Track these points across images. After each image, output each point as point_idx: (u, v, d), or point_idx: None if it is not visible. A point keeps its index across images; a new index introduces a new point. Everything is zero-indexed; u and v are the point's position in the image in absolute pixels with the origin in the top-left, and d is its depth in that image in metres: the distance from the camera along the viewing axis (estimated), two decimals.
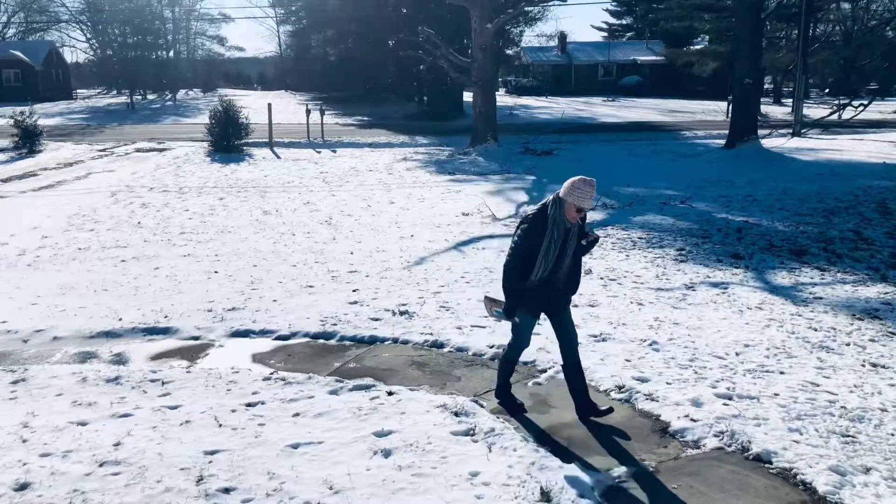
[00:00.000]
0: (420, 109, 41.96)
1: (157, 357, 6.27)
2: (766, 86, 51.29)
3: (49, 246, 10.34)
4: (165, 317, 7.17)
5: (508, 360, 5.21)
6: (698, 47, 48.93)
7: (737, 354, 6.08)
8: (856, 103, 19.29)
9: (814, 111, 29.71)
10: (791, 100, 34.88)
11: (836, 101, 21.92)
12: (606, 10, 75.43)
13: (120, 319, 7.09)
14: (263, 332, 6.79)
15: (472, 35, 22.58)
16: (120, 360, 6.18)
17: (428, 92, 41.33)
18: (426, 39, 22.55)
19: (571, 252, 4.81)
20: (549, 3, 39.66)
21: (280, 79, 79.23)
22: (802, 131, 24.57)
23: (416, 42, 23.48)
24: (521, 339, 5.11)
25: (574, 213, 4.67)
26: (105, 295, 7.95)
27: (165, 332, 6.83)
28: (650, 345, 6.30)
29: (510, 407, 5.16)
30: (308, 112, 27.22)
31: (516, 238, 4.85)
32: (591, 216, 12.43)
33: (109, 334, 6.75)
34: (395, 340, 6.56)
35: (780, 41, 45.48)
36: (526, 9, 33.40)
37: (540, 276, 4.74)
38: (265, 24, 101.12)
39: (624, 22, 76.50)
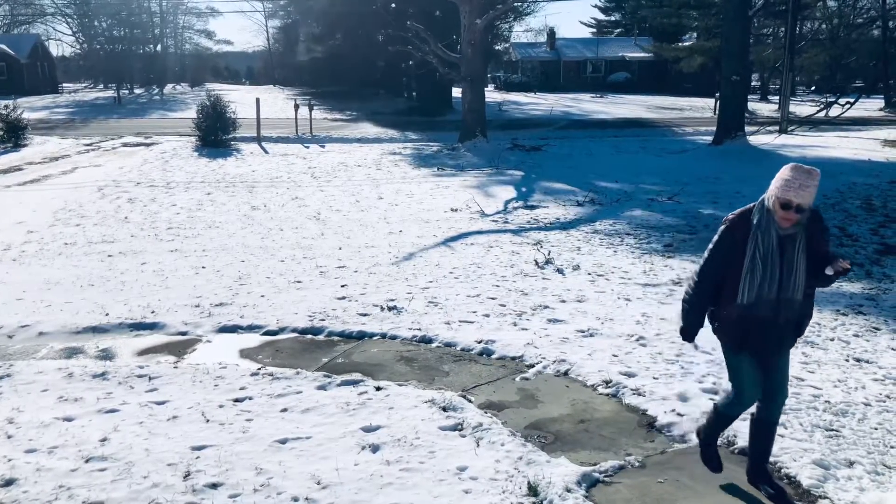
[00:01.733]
0: (409, 105, 41.92)
1: (143, 352, 6.24)
2: (753, 83, 51.59)
3: (35, 241, 10.26)
4: (152, 312, 7.14)
5: (721, 412, 4.07)
6: (687, 44, 49.13)
7: None
8: (842, 101, 19.43)
9: (800, 108, 29.89)
10: (778, 97, 35.09)
11: (823, 99, 22.09)
12: (595, 6, 75.72)
13: (106, 315, 7.06)
14: (251, 328, 6.77)
15: (462, 31, 22.54)
16: (106, 355, 6.15)
17: (417, 87, 41.27)
18: (415, 35, 22.50)
19: (797, 272, 3.59)
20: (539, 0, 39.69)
21: (268, 73, 78.94)
22: (790, 129, 24.73)
23: (405, 37, 23.42)
24: (739, 389, 3.92)
25: (781, 212, 3.54)
26: (91, 290, 7.91)
27: (152, 327, 6.80)
28: (637, 340, 6.33)
29: (710, 464, 4.17)
30: (296, 107, 27.13)
31: (709, 245, 3.84)
32: (578, 212, 12.48)
33: (96, 329, 6.72)
34: (384, 336, 6.56)
35: (767, 38, 45.75)
36: (515, 4, 33.40)
37: (749, 302, 3.63)
38: (253, 17, 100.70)
39: (612, 18, 76.70)
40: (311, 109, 27.17)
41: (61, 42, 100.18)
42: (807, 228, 3.61)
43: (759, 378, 3.84)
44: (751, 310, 3.64)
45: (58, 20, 70.29)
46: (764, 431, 3.98)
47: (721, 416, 4.08)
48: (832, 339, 6.40)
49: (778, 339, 3.74)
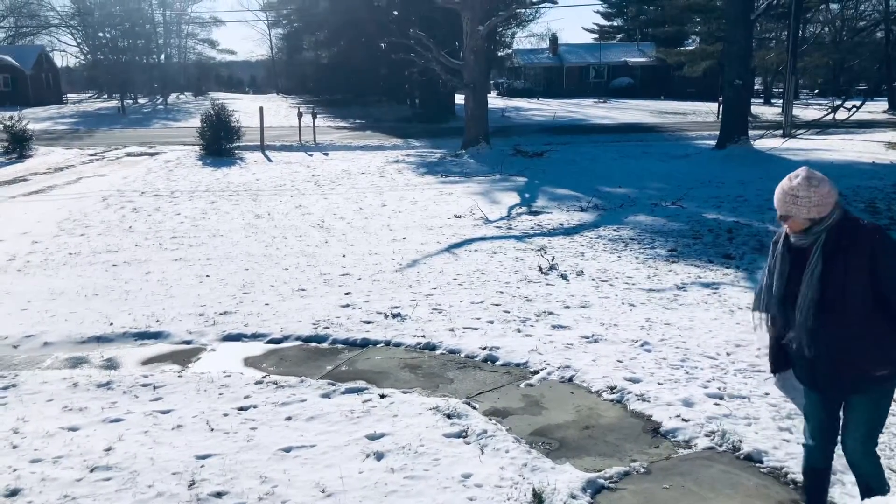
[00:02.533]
0: (412, 112, 41.97)
1: (148, 362, 6.25)
2: (756, 87, 51.63)
3: (39, 251, 10.30)
4: (157, 321, 7.15)
5: (803, 466, 3.57)
6: (689, 48, 49.16)
7: (727, 354, 6.10)
8: (848, 104, 19.40)
9: (804, 112, 29.90)
10: (781, 100, 35.08)
11: (828, 103, 22.07)
12: (597, 11, 75.69)
13: (111, 324, 7.07)
14: (255, 336, 6.78)
15: (464, 37, 22.60)
16: (111, 364, 6.16)
17: (420, 94, 41.35)
18: (418, 42, 22.56)
19: (810, 291, 3.09)
20: (541, 6, 39.81)
21: (272, 82, 79.12)
22: (793, 132, 24.70)
23: (407, 45, 23.49)
24: (805, 422, 3.48)
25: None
26: (96, 300, 7.93)
27: (157, 336, 6.81)
28: (642, 345, 6.32)
29: None
30: (300, 115, 27.20)
31: None
32: (581, 217, 12.48)
33: (100, 339, 6.73)
34: (388, 343, 6.56)
35: (769, 42, 45.76)
36: (517, 11, 33.49)
37: (773, 322, 3.32)
38: (257, 27, 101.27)
39: (615, 24, 76.73)
40: (314, 118, 27.23)
41: (66, 53, 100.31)
42: (828, 242, 3.10)
43: (818, 413, 3.37)
44: (779, 332, 3.29)
45: (62, 31, 70.63)
46: (806, 474, 3.52)
47: (803, 470, 3.61)
48: None
49: (813, 372, 3.25)
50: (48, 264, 9.57)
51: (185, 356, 6.36)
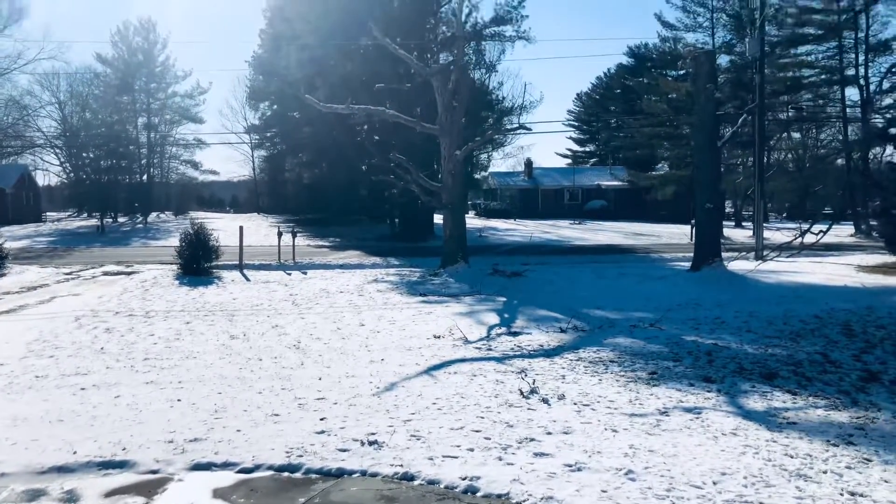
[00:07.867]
0: (391, 231, 42.58)
1: (111, 493, 5.93)
2: (727, 209, 53.21)
3: (4, 374, 9.97)
4: (123, 449, 6.85)
5: None
6: (660, 172, 50.91)
7: (714, 483, 5.94)
8: (815, 229, 19.97)
9: (774, 235, 30.70)
10: (752, 223, 36.07)
11: (797, 226, 22.73)
12: (570, 137, 78.90)
13: (74, 452, 6.76)
14: (226, 465, 6.50)
15: (442, 161, 23.25)
16: (71, 497, 5.84)
17: (399, 214, 42.09)
18: (398, 165, 23.15)
19: None
20: (516, 133, 41.26)
21: (253, 201, 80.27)
22: (765, 254, 25.24)
23: (387, 167, 24.09)
24: None
25: None
26: (60, 426, 7.61)
27: (122, 465, 6.50)
28: (626, 474, 6.13)
29: None
30: (279, 234, 27.43)
31: None
32: (561, 339, 12.42)
33: (62, 469, 6.41)
34: (364, 473, 6.31)
35: (737, 167, 47.57)
36: (495, 137, 34.69)
37: None
38: (240, 149, 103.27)
39: (587, 149, 79.88)
40: (293, 236, 27.47)
41: (48, 172, 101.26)
42: None
43: None
44: None
45: (46, 151, 71.65)
46: None
47: None
48: (825, 472, 6.23)
49: None
50: (12, 388, 9.24)
51: (150, 487, 6.06)
